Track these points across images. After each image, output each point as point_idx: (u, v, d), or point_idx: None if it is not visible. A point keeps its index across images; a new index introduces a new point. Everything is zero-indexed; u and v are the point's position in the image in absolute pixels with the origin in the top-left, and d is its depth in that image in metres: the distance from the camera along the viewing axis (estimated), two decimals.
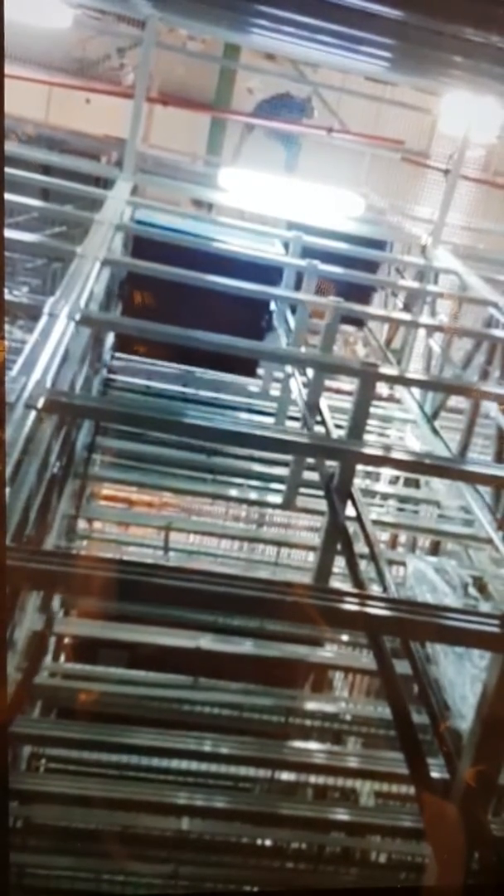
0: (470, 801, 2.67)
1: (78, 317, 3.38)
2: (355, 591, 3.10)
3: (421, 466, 4.46)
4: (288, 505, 4.92)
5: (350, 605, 2.59)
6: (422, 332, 6.59)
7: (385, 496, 5.65)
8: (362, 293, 6.90)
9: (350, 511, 3.80)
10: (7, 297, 4.02)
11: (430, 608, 3.14)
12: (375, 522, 4.47)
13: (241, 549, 5.41)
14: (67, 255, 4.17)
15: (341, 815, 3.35)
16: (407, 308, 6.78)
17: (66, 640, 3.52)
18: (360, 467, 4.24)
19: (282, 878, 3.38)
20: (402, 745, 2.75)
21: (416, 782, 2.79)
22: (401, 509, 5.64)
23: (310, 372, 4.64)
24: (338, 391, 5.70)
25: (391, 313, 6.87)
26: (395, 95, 8.66)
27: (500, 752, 2.67)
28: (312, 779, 3.51)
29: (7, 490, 2.53)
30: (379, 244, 7.01)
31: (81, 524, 4.19)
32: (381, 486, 5.69)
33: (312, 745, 3.50)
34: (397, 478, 5.78)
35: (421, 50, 4.88)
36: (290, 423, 5.31)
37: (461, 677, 3.52)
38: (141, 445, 4.55)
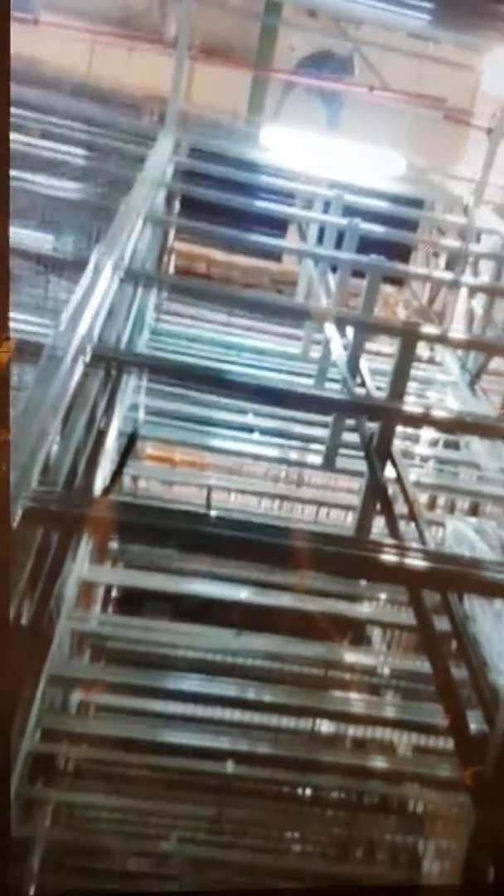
0: None
1: (122, 272, 3.40)
2: (395, 542, 3.11)
3: (461, 425, 4.46)
4: (328, 465, 4.93)
5: (389, 557, 2.64)
6: (463, 294, 6.50)
7: (424, 458, 5.63)
8: (402, 253, 6.82)
9: (389, 472, 3.80)
10: (52, 252, 4.08)
11: (469, 561, 3.17)
12: (415, 484, 4.46)
13: (281, 509, 5.46)
14: (111, 211, 4.18)
15: (379, 763, 3.41)
16: (448, 269, 6.70)
17: (115, 592, 3.59)
18: (399, 430, 4.23)
19: (320, 825, 3.46)
20: (442, 697, 2.80)
21: (454, 734, 2.83)
22: (440, 471, 5.62)
23: (350, 333, 4.62)
24: (378, 354, 5.68)
25: (433, 272, 6.78)
26: (437, 54, 8.47)
27: None
28: (351, 730, 3.57)
29: (57, 439, 2.59)
30: (419, 204, 6.92)
31: (126, 482, 4.26)
32: (421, 449, 5.66)
33: (352, 696, 3.55)
34: (437, 441, 5.75)
35: (465, 1, 4.77)
36: (330, 386, 5.31)
37: (499, 633, 3.53)
38: (184, 405, 4.59)
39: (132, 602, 3.63)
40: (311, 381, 5.47)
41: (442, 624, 2.94)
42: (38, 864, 2.72)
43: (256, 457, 5.06)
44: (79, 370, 2.68)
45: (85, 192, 4.81)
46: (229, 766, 2.99)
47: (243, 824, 3.18)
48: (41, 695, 2.70)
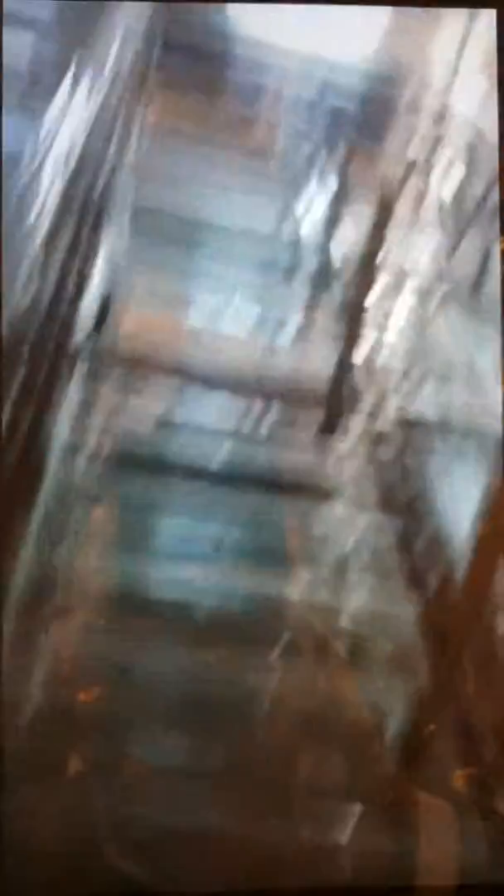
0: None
1: (103, 83, 2.87)
2: None
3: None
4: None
5: None
6: (435, 178, 6.20)
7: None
8: (376, 131, 6.39)
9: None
10: (22, 63, 3.43)
11: None
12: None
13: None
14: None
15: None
16: (422, 152, 6.33)
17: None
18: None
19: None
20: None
21: None
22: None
23: (326, 205, 4.26)
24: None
25: (406, 153, 6.44)
26: None
27: None
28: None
29: (31, 287, 2.17)
30: (393, 83, 6.43)
31: (104, 344, 3.90)
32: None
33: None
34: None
35: None
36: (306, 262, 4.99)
37: None
38: (164, 256, 4.18)
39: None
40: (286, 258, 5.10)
41: None
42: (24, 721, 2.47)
43: (231, 338, 4.72)
44: (57, 183, 2.22)
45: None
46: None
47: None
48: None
